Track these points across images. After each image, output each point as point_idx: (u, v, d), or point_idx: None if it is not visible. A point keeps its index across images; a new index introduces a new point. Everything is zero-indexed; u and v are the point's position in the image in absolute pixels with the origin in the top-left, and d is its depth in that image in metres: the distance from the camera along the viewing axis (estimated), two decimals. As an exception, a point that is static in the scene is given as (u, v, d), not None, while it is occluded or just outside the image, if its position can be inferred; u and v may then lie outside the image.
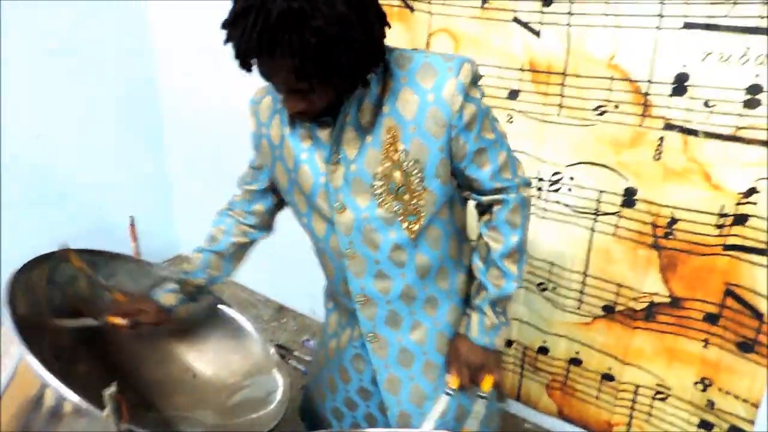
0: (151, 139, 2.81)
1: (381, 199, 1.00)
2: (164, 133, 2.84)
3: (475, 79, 0.97)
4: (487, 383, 1.10)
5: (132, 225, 1.30)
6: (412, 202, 0.99)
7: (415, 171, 0.97)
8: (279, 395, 1.25)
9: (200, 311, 1.38)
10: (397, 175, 0.97)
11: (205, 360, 1.39)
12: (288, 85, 0.89)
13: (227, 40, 0.85)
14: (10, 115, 2.23)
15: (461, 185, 1.05)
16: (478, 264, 1.08)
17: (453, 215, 1.08)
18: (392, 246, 1.03)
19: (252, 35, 0.80)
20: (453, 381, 1.10)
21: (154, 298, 1.23)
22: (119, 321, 1.19)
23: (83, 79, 2.45)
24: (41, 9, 2.23)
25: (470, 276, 1.14)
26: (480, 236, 1.08)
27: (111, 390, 0.85)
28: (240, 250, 1.26)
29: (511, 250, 1.05)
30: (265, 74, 0.88)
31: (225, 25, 0.85)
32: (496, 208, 1.05)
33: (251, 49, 0.83)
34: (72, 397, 0.92)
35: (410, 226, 1.02)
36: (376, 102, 0.96)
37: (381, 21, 0.91)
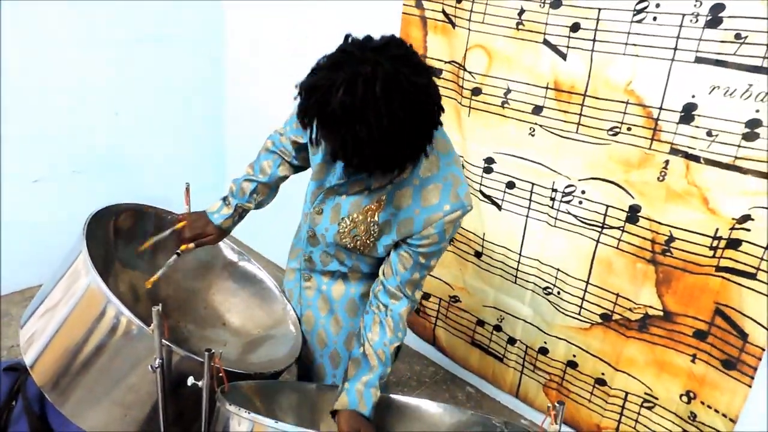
0: (213, 123, 3.11)
1: (341, 232, 1.24)
2: (225, 120, 3.13)
3: (458, 224, 1.16)
4: None
5: (187, 190, 1.53)
6: (358, 247, 1.25)
7: (375, 235, 1.21)
8: (291, 346, 1.45)
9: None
10: (362, 228, 1.21)
11: (235, 312, 1.61)
12: (332, 156, 1.01)
13: (301, 105, 0.96)
14: (93, 93, 2.55)
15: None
16: (371, 341, 1.22)
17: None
18: (337, 251, 1.31)
19: (311, 113, 0.94)
20: None
21: (213, 223, 1.43)
22: (190, 246, 1.39)
23: (160, 65, 2.75)
24: (125, 2, 2.54)
25: None
26: (377, 321, 1.24)
27: (157, 308, 1.07)
28: (282, 181, 1.47)
29: (397, 341, 1.24)
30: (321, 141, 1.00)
31: (300, 92, 0.96)
32: (395, 303, 1.23)
33: (311, 119, 0.96)
34: (127, 313, 1.14)
35: (352, 255, 1.30)
36: (390, 179, 1.15)
37: (428, 130, 0.98)
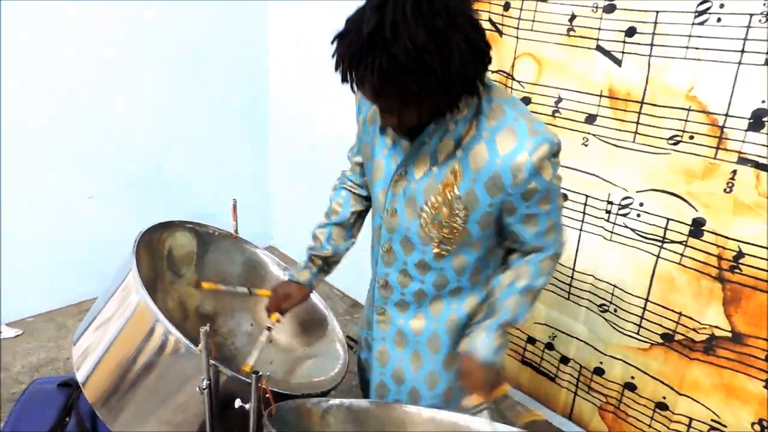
0: (257, 141, 3.15)
1: (424, 223, 1.11)
2: (269, 137, 3.16)
3: (552, 156, 1.02)
4: (501, 391, 1.17)
5: (234, 206, 1.54)
6: (449, 235, 1.11)
7: (461, 213, 1.07)
8: (338, 366, 1.42)
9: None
10: (445, 210, 1.08)
11: (282, 329, 1.59)
12: (373, 100, 0.97)
13: (334, 53, 0.94)
14: (142, 111, 2.63)
15: (504, 235, 1.15)
16: (499, 288, 1.16)
17: (485, 250, 1.17)
18: (420, 259, 1.17)
19: (346, 51, 0.91)
20: (475, 399, 1.15)
21: (292, 279, 1.40)
22: (276, 317, 1.37)
23: (206, 82, 2.81)
24: (173, 24, 2.60)
25: (481, 301, 1.23)
26: (509, 266, 1.17)
27: (205, 329, 1.06)
28: (359, 219, 1.38)
29: (534, 288, 1.15)
30: (357, 87, 0.96)
31: (333, 41, 0.95)
32: (535, 253, 1.15)
33: (345, 63, 0.92)
34: (175, 332, 1.14)
35: (440, 251, 1.14)
36: (456, 141, 1.04)
37: (473, 55, 0.92)
